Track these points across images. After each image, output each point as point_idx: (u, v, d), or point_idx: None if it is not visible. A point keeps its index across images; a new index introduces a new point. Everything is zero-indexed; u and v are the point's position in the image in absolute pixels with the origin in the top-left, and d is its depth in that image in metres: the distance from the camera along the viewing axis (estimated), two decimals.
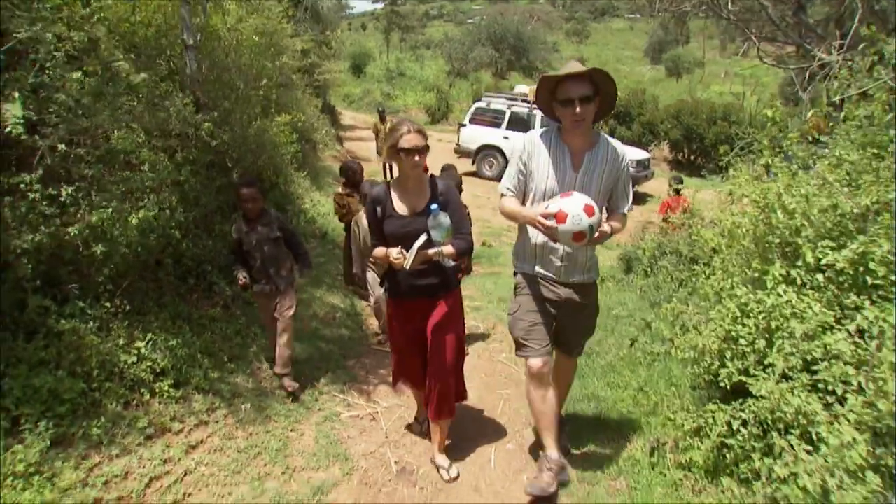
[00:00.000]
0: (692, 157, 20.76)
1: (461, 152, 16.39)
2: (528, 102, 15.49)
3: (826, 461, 2.39)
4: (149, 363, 3.86)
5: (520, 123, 15.26)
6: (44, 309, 3.54)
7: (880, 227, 2.73)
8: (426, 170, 3.27)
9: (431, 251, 3.01)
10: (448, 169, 5.15)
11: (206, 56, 5.95)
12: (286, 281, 4.31)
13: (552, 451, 3.18)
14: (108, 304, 3.85)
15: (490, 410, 4.32)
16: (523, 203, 3.08)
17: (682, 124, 20.30)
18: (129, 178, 4.01)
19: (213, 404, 3.99)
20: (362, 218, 4.60)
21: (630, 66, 47.98)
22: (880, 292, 2.70)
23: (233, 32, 6.51)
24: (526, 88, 17.69)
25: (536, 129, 3.06)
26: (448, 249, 3.05)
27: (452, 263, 3.22)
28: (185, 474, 3.36)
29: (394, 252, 2.99)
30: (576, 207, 2.66)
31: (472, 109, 16.82)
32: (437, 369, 3.31)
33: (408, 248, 2.96)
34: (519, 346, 3.18)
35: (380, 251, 3.16)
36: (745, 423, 2.76)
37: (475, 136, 16.18)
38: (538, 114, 14.78)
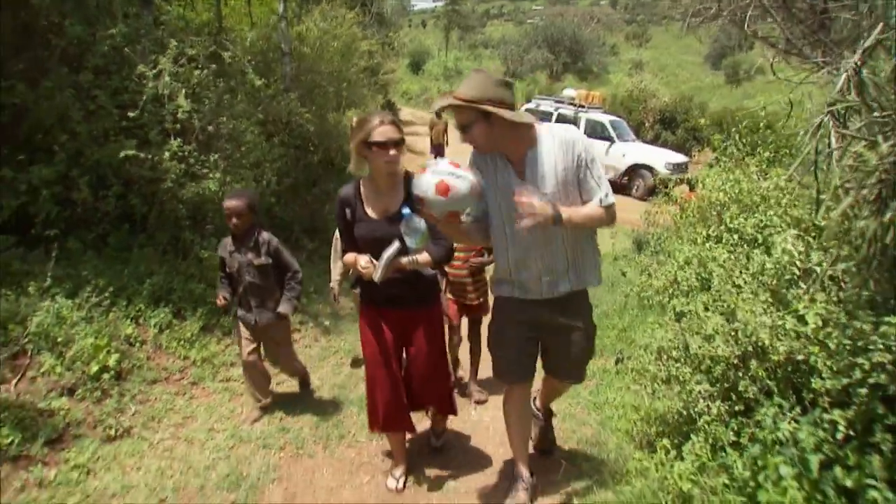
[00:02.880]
0: None
1: None
2: (575, 105, 16.61)
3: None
4: None
5: (566, 124, 16.43)
6: (191, 241, 5.05)
7: (777, 201, 3.93)
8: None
9: (405, 259, 2.66)
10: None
11: (297, 60, 7.45)
12: (271, 316, 3.69)
13: (524, 471, 3.00)
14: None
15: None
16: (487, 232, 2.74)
17: (726, 131, 20.98)
18: (250, 153, 5.49)
19: (302, 320, 5.45)
20: None
21: (690, 70, 48.08)
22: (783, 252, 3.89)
23: (318, 41, 7.99)
24: (574, 92, 18.76)
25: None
26: (423, 258, 2.71)
27: (431, 272, 2.91)
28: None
29: (362, 261, 2.67)
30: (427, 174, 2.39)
31: (523, 110, 18.04)
32: (420, 381, 3.07)
33: (378, 255, 2.61)
34: (497, 372, 2.94)
35: (349, 258, 2.85)
36: (686, 349, 3.96)
37: None
38: (584, 115, 15.92)
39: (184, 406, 3.90)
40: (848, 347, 2.54)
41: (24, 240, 4.28)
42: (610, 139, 15.37)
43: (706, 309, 3.69)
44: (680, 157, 16.86)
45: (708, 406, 3.11)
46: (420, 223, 2.56)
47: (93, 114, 4.49)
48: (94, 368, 3.74)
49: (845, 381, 2.51)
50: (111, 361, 3.81)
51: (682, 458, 3.07)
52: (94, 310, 4.08)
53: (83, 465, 3.17)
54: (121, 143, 4.54)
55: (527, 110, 17.80)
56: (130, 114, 4.40)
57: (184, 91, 4.83)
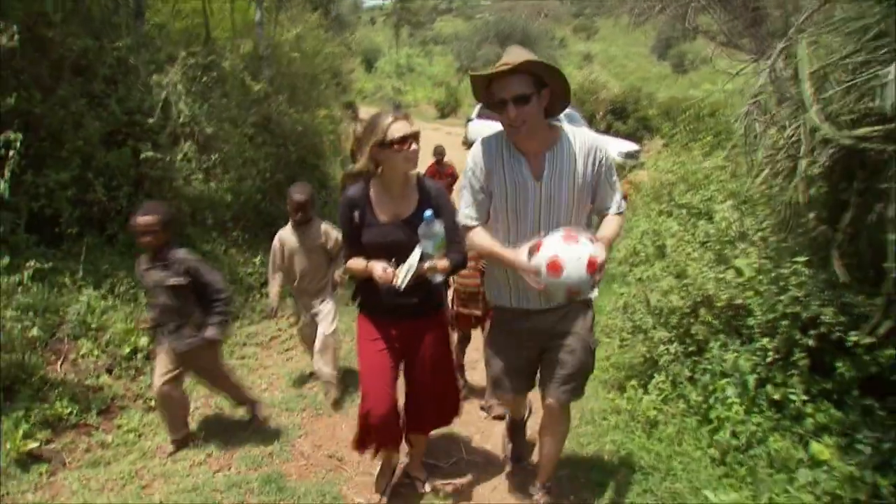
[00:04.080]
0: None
1: (469, 144, 18.22)
2: None
3: None
4: (256, 276, 5.79)
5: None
6: (193, 236, 5.47)
7: (717, 178, 4.60)
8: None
9: (425, 265, 2.48)
10: (439, 150, 6.46)
11: (275, 64, 7.86)
12: (191, 342, 3.31)
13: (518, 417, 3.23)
14: (234, 234, 5.78)
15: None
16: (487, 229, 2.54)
17: (672, 120, 22.03)
18: (243, 153, 5.93)
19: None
20: (287, 234, 3.96)
21: (637, 61, 49.50)
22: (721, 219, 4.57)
23: (289, 45, 8.42)
24: None
25: (484, 139, 2.50)
26: (443, 263, 2.51)
27: (441, 279, 2.64)
28: (290, 338, 5.22)
29: (379, 267, 2.46)
30: (574, 259, 2.14)
31: (479, 106, 18.62)
32: (431, 388, 2.84)
33: (394, 260, 2.47)
34: (495, 384, 2.81)
35: (357, 264, 2.61)
36: (647, 302, 4.61)
37: (481, 129, 17.94)
38: None
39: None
40: (773, 290, 3.19)
41: (42, 239, 4.64)
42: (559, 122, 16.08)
43: (663, 272, 4.34)
44: (632, 146, 17.73)
45: (667, 349, 3.75)
46: (440, 227, 2.43)
47: (103, 119, 4.87)
48: (127, 350, 4.17)
49: (771, 315, 3.17)
50: (141, 343, 4.24)
51: (648, 393, 3.70)
52: (117, 299, 4.49)
53: (134, 429, 3.63)
54: (129, 147, 4.93)
55: (482, 107, 18.40)
56: (150, 119, 4.80)
57: (184, 97, 5.23)
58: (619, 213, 2.53)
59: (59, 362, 3.88)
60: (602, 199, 2.49)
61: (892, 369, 2.84)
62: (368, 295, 2.73)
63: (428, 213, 2.41)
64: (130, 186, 5.11)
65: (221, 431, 3.72)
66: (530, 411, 3.44)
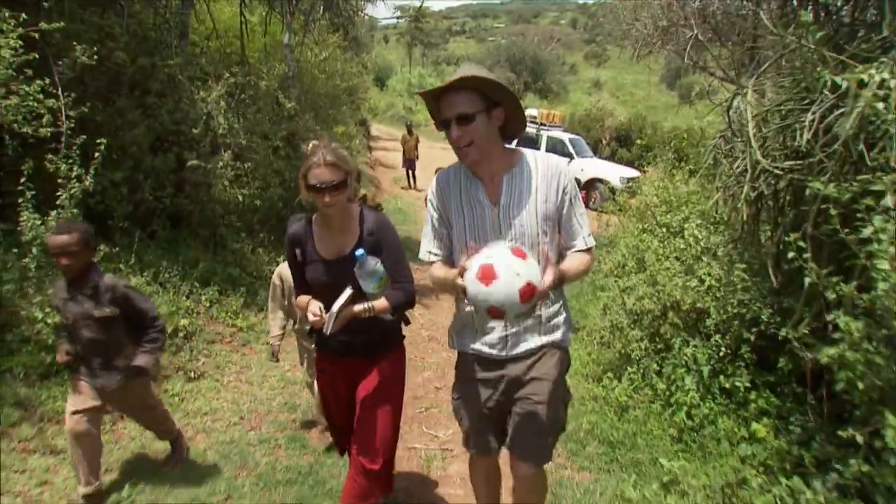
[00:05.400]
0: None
1: None
2: (537, 124, 17.98)
3: None
4: None
5: (528, 142, 17.77)
6: (225, 236, 6.10)
7: (694, 205, 5.21)
8: (362, 199, 2.87)
9: (359, 307, 2.34)
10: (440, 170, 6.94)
11: (302, 84, 8.55)
12: (120, 379, 2.96)
13: None
14: (261, 236, 6.41)
15: None
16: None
17: (674, 148, 22.70)
18: (270, 164, 6.58)
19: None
20: (286, 269, 3.22)
21: (646, 90, 50.41)
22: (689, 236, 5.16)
23: (315, 67, 9.13)
24: (535, 111, 20.17)
25: (455, 167, 2.26)
26: (380, 304, 2.39)
27: (391, 317, 2.52)
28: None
29: (312, 309, 2.34)
30: (511, 274, 1.86)
31: None
32: (361, 447, 2.58)
33: (330, 302, 2.29)
34: (464, 437, 2.52)
35: (302, 300, 2.52)
36: (624, 304, 5.20)
37: None
38: (545, 133, 17.24)
39: (239, 359, 4.95)
40: (726, 295, 3.79)
41: (97, 232, 5.26)
42: (569, 155, 16.73)
43: (641, 282, 4.93)
44: (633, 172, 18.34)
45: (639, 346, 4.34)
46: (376, 265, 2.25)
47: (153, 129, 5.52)
48: (170, 329, 4.76)
49: (724, 316, 3.76)
50: (182, 324, 4.84)
51: (621, 383, 4.28)
52: (159, 286, 5.10)
53: (177, 394, 4.22)
54: (174, 154, 5.58)
55: None
56: (195, 130, 5.46)
57: (224, 112, 5.89)
58: (587, 250, 2.20)
59: None
60: (568, 234, 2.20)
61: (818, 364, 3.43)
62: (318, 331, 2.43)
63: (359, 252, 2.23)
64: (172, 188, 5.75)
65: (251, 399, 4.31)
66: None
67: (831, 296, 2.21)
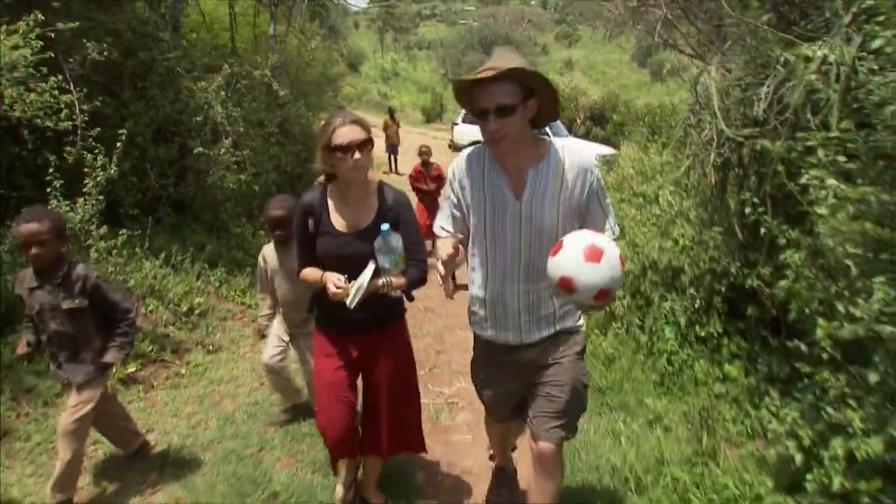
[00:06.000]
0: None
1: (455, 147, 19.15)
2: None
3: None
4: None
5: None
6: (226, 220, 6.40)
7: (668, 174, 5.63)
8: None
9: (379, 282, 2.32)
10: (425, 150, 6.57)
11: (286, 71, 8.81)
12: (87, 372, 2.83)
13: (507, 465, 2.92)
14: (261, 220, 6.72)
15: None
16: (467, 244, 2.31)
17: (647, 125, 23.23)
18: (267, 150, 6.87)
19: None
20: (269, 251, 3.49)
21: (617, 69, 50.86)
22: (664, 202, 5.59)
23: (301, 56, 9.38)
24: None
25: (468, 151, 2.26)
26: (398, 281, 2.39)
27: (398, 294, 2.55)
28: None
29: (334, 281, 2.28)
30: (575, 263, 1.80)
31: (464, 111, 19.60)
32: (387, 407, 2.64)
33: (349, 274, 2.29)
34: (486, 410, 2.63)
35: (312, 274, 2.44)
36: None
37: (467, 133, 18.88)
38: None
39: (251, 333, 5.26)
40: (699, 253, 4.22)
41: (107, 219, 5.54)
42: (545, 135, 17.03)
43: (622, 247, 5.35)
44: (609, 150, 18.78)
45: (622, 303, 4.76)
46: (397, 241, 2.28)
47: (156, 120, 5.79)
48: (185, 308, 5.09)
49: (697, 272, 4.19)
50: (196, 302, 5.16)
51: (607, 338, 4.71)
52: (171, 269, 5.41)
53: (200, 364, 4.56)
54: (177, 143, 5.85)
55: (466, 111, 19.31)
56: (197, 118, 5.73)
57: (222, 101, 6.17)
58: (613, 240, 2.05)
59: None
60: (592, 221, 2.13)
61: (782, 309, 3.87)
62: (323, 308, 2.50)
63: (384, 226, 2.23)
64: (175, 177, 6.03)
65: None
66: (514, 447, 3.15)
67: (782, 241, 2.61)
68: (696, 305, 4.22)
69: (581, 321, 2.34)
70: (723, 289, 4.03)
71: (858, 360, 2.06)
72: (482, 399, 2.55)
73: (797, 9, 3.91)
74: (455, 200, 2.25)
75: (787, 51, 3.13)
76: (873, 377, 1.97)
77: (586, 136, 22.66)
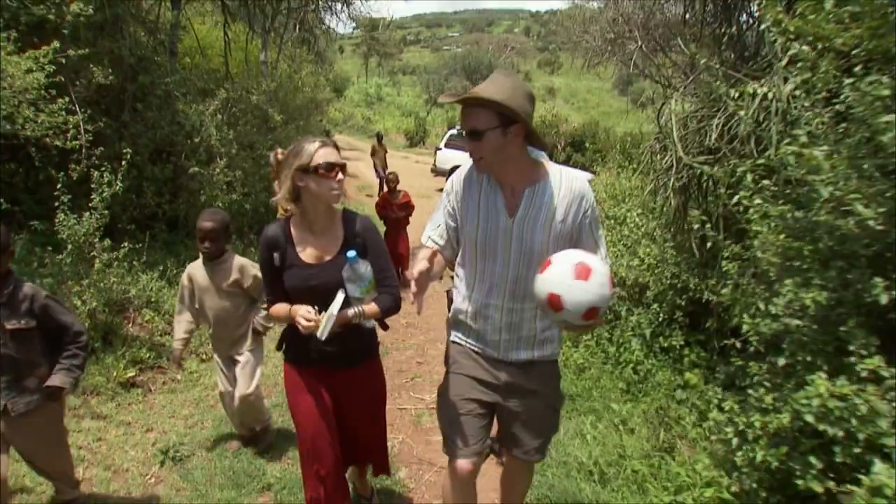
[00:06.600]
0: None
1: (437, 172, 19.36)
2: None
3: None
4: None
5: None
6: None
7: (636, 197, 6.02)
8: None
9: (350, 311, 2.26)
10: (392, 177, 6.78)
11: (277, 96, 9.16)
12: (30, 401, 2.58)
13: None
14: (251, 237, 7.00)
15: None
16: (454, 258, 2.36)
17: (626, 153, 23.86)
18: (257, 171, 7.18)
19: None
20: (197, 269, 3.35)
21: (599, 96, 51.94)
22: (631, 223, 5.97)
23: (291, 81, 9.74)
24: None
25: (470, 166, 2.21)
26: (371, 309, 2.33)
27: (371, 324, 2.48)
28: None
29: (303, 314, 2.19)
30: (564, 280, 1.81)
31: (447, 136, 19.75)
32: (361, 442, 2.70)
33: (319, 306, 2.21)
34: (444, 439, 2.39)
35: (280, 309, 2.36)
36: None
37: (449, 158, 19.09)
38: None
39: None
40: (662, 270, 4.58)
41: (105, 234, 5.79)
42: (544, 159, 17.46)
43: None
44: (587, 175, 19.29)
45: None
46: (366, 269, 2.23)
47: (154, 140, 6.08)
48: None
49: (661, 288, 4.55)
50: None
51: (578, 350, 5.03)
52: (165, 282, 5.66)
53: (195, 371, 4.80)
54: (172, 163, 6.14)
55: (451, 135, 19.59)
56: (195, 139, 6.04)
57: (215, 124, 6.48)
58: None
59: (129, 325, 5.03)
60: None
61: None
62: (293, 342, 2.44)
63: (351, 253, 2.18)
64: (170, 195, 6.31)
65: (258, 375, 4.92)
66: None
67: (726, 253, 2.97)
68: (660, 319, 4.58)
69: (558, 350, 2.35)
70: (683, 303, 4.39)
71: (776, 351, 2.44)
72: (444, 426, 2.37)
73: (749, 49, 4.36)
74: (450, 209, 2.26)
75: (734, 87, 3.53)
76: (781, 361, 2.39)
77: (566, 162, 23.18)
